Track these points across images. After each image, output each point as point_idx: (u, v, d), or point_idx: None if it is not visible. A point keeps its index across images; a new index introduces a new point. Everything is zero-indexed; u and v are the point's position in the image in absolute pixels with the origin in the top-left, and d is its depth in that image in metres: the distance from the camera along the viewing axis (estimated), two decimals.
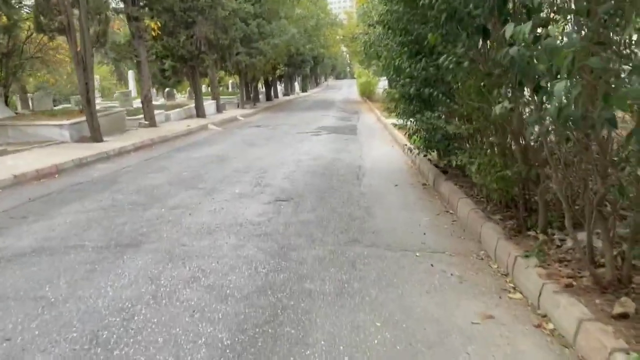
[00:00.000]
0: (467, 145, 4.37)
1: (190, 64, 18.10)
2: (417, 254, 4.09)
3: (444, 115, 5.65)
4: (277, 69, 40.02)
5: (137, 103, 22.44)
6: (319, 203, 5.93)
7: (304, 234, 4.63)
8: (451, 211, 5.51)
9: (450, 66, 3.86)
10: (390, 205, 5.89)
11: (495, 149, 3.89)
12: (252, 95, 28.90)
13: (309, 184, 7.12)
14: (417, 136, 7.95)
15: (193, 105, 19.79)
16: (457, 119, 5.24)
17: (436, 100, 5.47)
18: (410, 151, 7.75)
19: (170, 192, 6.58)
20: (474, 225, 4.60)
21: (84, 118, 11.35)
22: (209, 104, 21.85)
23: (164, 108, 18.85)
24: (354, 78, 66.84)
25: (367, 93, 34.99)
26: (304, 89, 55.97)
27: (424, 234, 4.65)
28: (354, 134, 14.22)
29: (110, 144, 11.17)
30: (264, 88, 36.29)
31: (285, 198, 6.17)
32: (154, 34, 16.49)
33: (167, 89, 25.86)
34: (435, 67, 5.24)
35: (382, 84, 42.40)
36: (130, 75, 30.73)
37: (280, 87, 45.93)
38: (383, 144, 12.04)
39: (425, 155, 7.86)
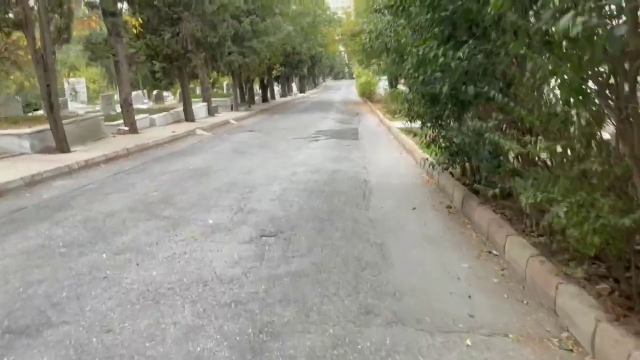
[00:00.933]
0: (542, 171, 2.92)
1: (176, 64, 16.67)
2: (468, 342, 2.66)
3: (503, 124, 4.12)
4: (274, 69, 38.65)
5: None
6: (316, 238, 4.50)
7: (294, 300, 3.19)
8: (495, 251, 4.08)
9: (523, 51, 2.43)
10: (410, 239, 4.47)
11: (595, 182, 2.45)
12: (247, 97, 27.48)
13: (304, 207, 5.69)
14: (436, 146, 6.53)
15: (182, 108, 18.35)
16: (520, 130, 3.77)
17: (486, 102, 4.01)
18: (433, 167, 6.26)
19: (126, 223, 5.14)
20: (542, 283, 3.17)
21: (48, 126, 9.91)
22: (199, 107, 20.43)
23: (149, 112, 17.42)
24: (353, 78, 65.47)
25: (367, 93, 33.59)
26: (302, 90, 54.54)
27: (469, 296, 3.22)
28: (355, 139, 12.80)
29: (78, 154, 9.73)
30: (260, 89, 34.87)
31: (272, 232, 4.74)
32: (135, 31, 15.07)
33: (155, 91, 24.43)
34: (484, 55, 3.79)
35: (382, 83, 41.07)
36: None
37: (277, 88, 44.52)
38: (389, 150, 10.62)
39: (446, 169, 6.43)
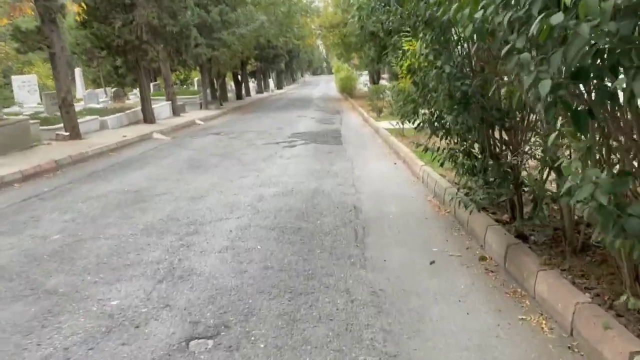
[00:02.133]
0: None
1: (130, 57, 14.49)
2: None
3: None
4: (248, 64, 36.48)
5: (78, 106, 18.71)
6: (283, 346, 2.61)
7: None
8: (582, 352, 2.25)
9: None
10: (442, 334, 2.61)
11: None
12: (218, 94, 25.33)
13: (269, 265, 3.77)
14: (452, 162, 4.71)
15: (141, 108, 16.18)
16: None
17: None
18: (465, 207, 4.32)
19: None
20: None
21: None
22: (162, 107, 18.27)
23: (102, 113, 15.21)
24: (332, 74, 63.56)
25: (347, 89, 31.74)
26: (279, 86, 52.40)
27: None
28: (338, 144, 10.91)
29: None
30: (233, 86, 32.69)
31: (210, 328, 2.81)
32: (78, 18, 12.89)
33: (113, 89, 22.13)
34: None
35: (363, 79, 39.27)
36: (77, 73, 26.83)
37: (253, 84, 42.35)
38: (380, 159, 8.77)
39: (483, 208, 4.58)
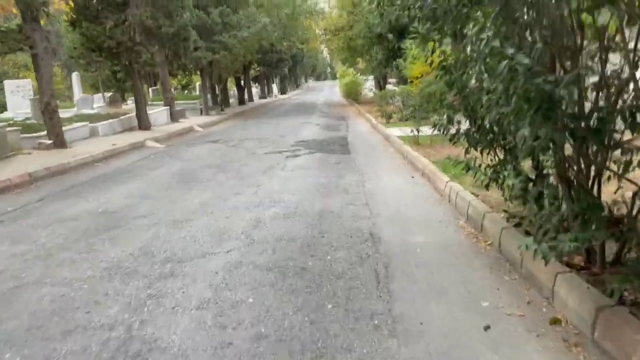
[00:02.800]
0: None
1: (122, 59, 13.57)
2: None
3: None
4: (251, 68, 35.61)
5: (70, 112, 17.82)
6: None
7: None
8: None
9: None
10: None
11: None
12: (219, 99, 24.42)
13: (262, 332, 2.75)
14: (500, 187, 3.71)
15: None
16: None
17: None
18: (538, 254, 3.24)
19: None
20: None
21: None
22: (159, 112, 17.35)
23: (93, 119, 14.27)
24: (336, 79, 62.71)
25: (352, 94, 30.79)
26: (282, 91, 51.56)
27: None
28: (346, 152, 9.91)
29: None
30: (236, 91, 31.79)
31: None
32: (66, 18, 11.99)
33: (110, 94, 21.24)
34: None
35: (369, 84, 38.33)
36: (75, 78, 25.97)
37: (256, 89, 41.50)
38: (395, 171, 7.75)
39: (562, 249, 3.58)
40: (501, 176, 3.77)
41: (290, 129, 15.19)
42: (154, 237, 4.54)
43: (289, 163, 8.68)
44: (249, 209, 5.53)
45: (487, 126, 3.71)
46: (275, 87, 49.16)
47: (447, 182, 5.93)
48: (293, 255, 4.00)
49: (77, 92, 27.23)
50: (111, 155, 10.24)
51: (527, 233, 3.75)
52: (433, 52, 4.24)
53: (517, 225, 3.79)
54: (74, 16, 12.26)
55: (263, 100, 37.29)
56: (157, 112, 17.07)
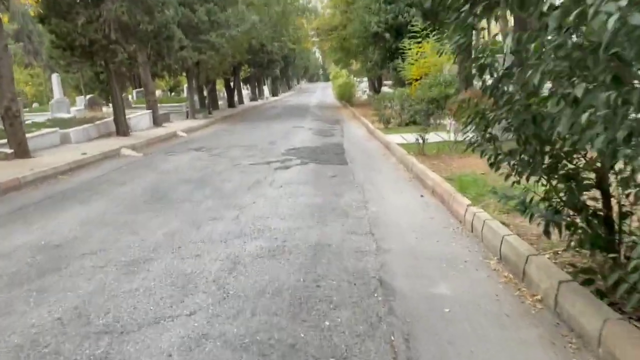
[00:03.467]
0: None
1: (96, 59, 12.44)
2: None
3: None
4: (241, 69, 34.49)
5: (45, 116, 16.66)
6: None
7: None
8: None
9: None
10: None
11: None
12: (207, 102, 23.30)
13: None
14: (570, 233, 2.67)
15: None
16: None
17: None
18: None
19: None
20: None
21: None
22: (141, 116, 16.22)
23: (66, 124, 13.13)
24: (329, 80, 61.74)
25: (346, 96, 29.79)
26: (274, 93, 50.46)
27: None
28: (343, 163, 8.88)
29: None
30: (225, 93, 30.66)
31: None
32: (33, 13, 10.84)
33: (88, 97, 20.07)
34: None
35: (363, 85, 37.37)
36: (54, 79, 24.71)
37: (246, 91, 40.40)
38: (400, 186, 6.72)
39: None
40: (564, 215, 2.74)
41: (281, 134, 14.14)
42: (96, 289, 3.47)
43: (279, 177, 7.62)
44: (226, 241, 4.47)
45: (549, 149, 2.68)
46: (266, 89, 48.07)
47: (467, 206, 4.90)
48: (279, 320, 2.94)
49: (58, 94, 26.00)
50: (79, 167, 9.12)
51: (601, 294, 2.73)
52: (467, 44, 3.20)
53: (587, 281, 2.76)
54: (42, 11, 11.13)
55: (254, 103, 36.20)
56: (139, 116, 15.95)
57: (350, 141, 12.18)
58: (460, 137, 4.98)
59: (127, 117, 15.50)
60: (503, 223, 4.26)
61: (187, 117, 20.75)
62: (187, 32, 18.75)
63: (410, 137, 11.38)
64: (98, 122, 13.72)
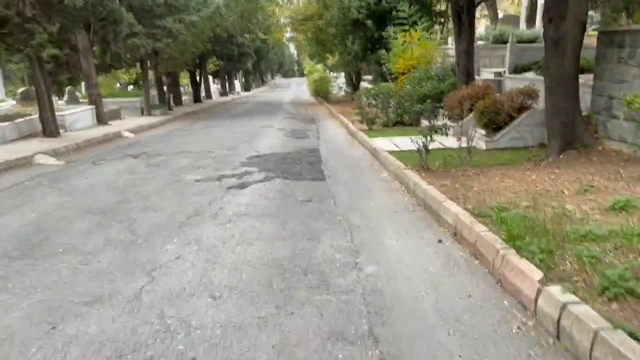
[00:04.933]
0: None
1: (14, 42, 9.91)
2: None
3: None
4: (209, 62, 31.89)
5: None
6: None
7: None
8: None
9: None
10: None
11: None
12: (167, 97, 20.75)
13: None
14: None
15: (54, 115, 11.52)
16: None
17: None
18: None
19: None
20: None
21: None
22: (80, 113, 13.69)
23: None
24: (304, 76, 59.31)
25: (322, 92, 27.61)
26: (246, 88, 47.90)
27: None
28: (319, 178, 6.73)
29: None
30: (191, 87, 28.05)
31: None
32: None
33: (21, 90, 17.38)
34: None
35: (340, 81, 35.24)
36: None
37: (216, 86, 37.79)
38: (402, 221, 4.58)
39: None
40: None
41: (245, 135, 11.88)
42: None
43: (229, 202, 5.40)
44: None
45: None
46: (238, 84, 45.45)
47: (541, 285, 2.78)
48: None
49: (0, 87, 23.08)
50: None
51: None
52: None
53: None
54: None
55: (223, 98, 33.63)
56: (77, 113, 13.42)
57: (328, 145, 10.02)
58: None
59: (63, 113, 13.02)
60: (635, 337, 2.17)
61: (143, 114, 18.23)
62: (142, 17, 16.26)
63: (402, 142, 9.29)
64: (20, 119, 11.18)
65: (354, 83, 26.36)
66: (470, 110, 9.74)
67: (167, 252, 3.86)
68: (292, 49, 78.80)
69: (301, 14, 23.49)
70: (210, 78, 37.27)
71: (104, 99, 18.86)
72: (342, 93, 31.03)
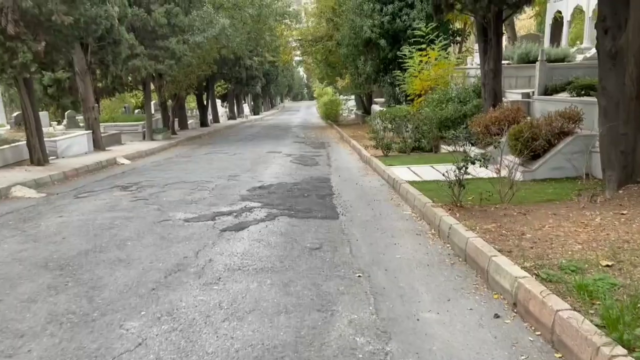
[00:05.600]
0: None
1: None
2: None
3: None
4: (218, 85, 31.31)
5: None
6: None
7: None
8: None
9: None
10: None
11: None
12: (170, 121, 19.98)
13: None
14: None
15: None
16: None
17: None
18: None
19: None
20: None
21: None
22: (75, 138, 12.88)
23: None
24: (313, 99, 58.79)
25: (332, 115, 26.80)
26: (255, 112, 47.37)
27: None
28: (332, 215, 5.73)
29: None
30: (198, 110, 27.36)
31: None
32: None
33: (15, 114, 16.69)
34: None
35: (350, 104, 34.47)
36: None
37: (224, 109, 37.22)
38: (439, 279, 3.52)
39: None
40: None
41: (250, 162, 10.93)
42: None
43: (220, 253, 4.37)
44: None
45: None
46: (246, 107, 44.90)
47: None
48: None
49: (0, 109, 22.54)
50: None
51: None
52: None
53: None
54: None
55: (231, 122, 32.95)
56: (72, 139, 12.61)
57: (340, 174, 9.02)
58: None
59: (55, 139, 12.21)
60: None
61: (144, 139, 17.44)
62: (143, 38, 15.60)
63: (423, 171, 8.27)
64: (5, 146, 10.33)
65: (364, 106, 25.51)
66: (498, 134, 8.77)
67: (126, 334, 2.83)
68: (302, 72, 78.69)
69: (310, 35, 22.80)
70: (219, 101, 36.73)
71: (106, 124, 18.18)
72: (353, 116, 30.22)
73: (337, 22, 18.37)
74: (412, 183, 7.02)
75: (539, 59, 10.17)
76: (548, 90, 10.03)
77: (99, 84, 22.51)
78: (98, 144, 13.65)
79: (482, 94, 9.51)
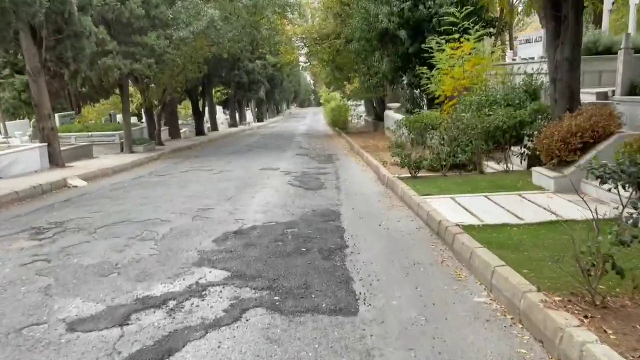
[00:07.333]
0: None
1: None
2: None
3: None
4: (217, 90, 28.84)
5: None
6: None
7: None
8: None
9: None
10: None
11: None
12: (156, 130, 17.45)
13: None
14: None
15: None
16: None
17: None
18: None
19: None
20: None
21: None
22: (24, 152, 10.38)
23: None
24: (320, 105, 56.22)
25: (340, 122, 24.20)
26: (259, 118, 44.81)
27: None
28: (345, 304, 3.10)
29: None
30: (193, 117, 24.87)
31: None
32: None
33: None
34: None
35: (360, 109, 31.89)
36: None
37: (225, 116, 34.79)
38: None
39: None
40: None
41: (234, 184, 8.36)
42: None
43: None
44: None
45: None
46: (250, 114, 42.37)
47: None
48: None
49: None
50: None
51: None
52: None
53: None
54: None
55: (232, 130, 30.40)
56: (15, 154, 10.09)
57: (354, 205, 6.41)
58: None
59: None
60: None
61: (122, 151, 14.92)
62: (118, 32, 13.16)
63: (479, 205, 5.56)
64: None
65: (376, 111, 22.89)
66: (580, 150, 6.23)
67: None
68: (308, 77, 76.25)
69: (316, 32, 20.25)
70: (219, 108, 34.26)
71: (78, 134, 15.71)
72: (362, 123, 27.66)
73: (347, 12, 15.79)
74: (469, 230, 4.41)
75: (622, 46, 7.53)
76: (637, 89, 7.38)
77: (82, 89, 20.09)
78: (55, 159, 11.14)
79: (550, 93, 6.86)
